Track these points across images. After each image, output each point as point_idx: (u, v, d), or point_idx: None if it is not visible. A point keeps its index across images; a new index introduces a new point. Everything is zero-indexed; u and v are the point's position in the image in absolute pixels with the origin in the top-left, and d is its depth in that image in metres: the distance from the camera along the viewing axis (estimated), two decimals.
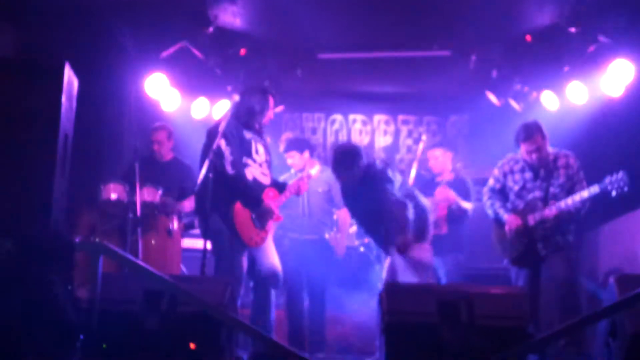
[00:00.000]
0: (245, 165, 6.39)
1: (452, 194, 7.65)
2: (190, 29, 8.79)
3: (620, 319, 4.81)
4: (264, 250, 6.49)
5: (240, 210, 6.30)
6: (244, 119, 6.52)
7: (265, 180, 6.51)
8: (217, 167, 6.17)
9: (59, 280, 4.34)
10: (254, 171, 6.43)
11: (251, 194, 6.33)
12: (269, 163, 6.62)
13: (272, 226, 6.55)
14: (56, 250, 4.45)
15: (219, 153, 6.19)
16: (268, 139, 6.84)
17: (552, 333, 5.44)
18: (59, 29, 7.84)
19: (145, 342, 4.83)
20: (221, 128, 6.17)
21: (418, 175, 8.70)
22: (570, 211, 6.28)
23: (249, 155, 6.42)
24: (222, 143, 6.21)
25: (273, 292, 6.55)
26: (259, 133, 6.63)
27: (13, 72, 5.18)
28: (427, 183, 8.38)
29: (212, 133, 6.33)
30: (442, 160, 8.27)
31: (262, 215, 6.35)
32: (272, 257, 6.53)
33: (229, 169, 6.22)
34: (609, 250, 8.34)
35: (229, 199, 6.28)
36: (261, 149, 6.56)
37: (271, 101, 6.64)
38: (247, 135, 6.48)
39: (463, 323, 4.81)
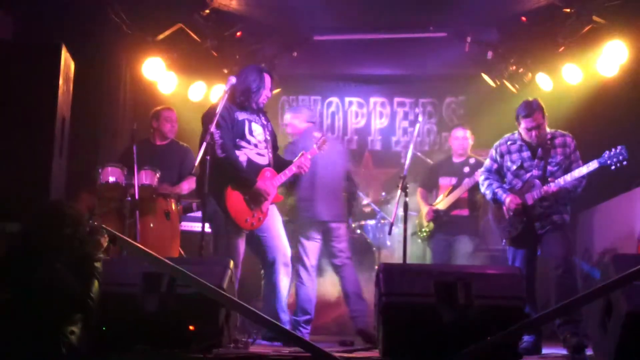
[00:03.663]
0: (239, 147, 6.40)
1: None
2: (187, 11, 8.77)
3: (615, 298, 4.85)
4: (267, 231, 6.51)
5: (232, 192, 6.31)
6: (239, 100, 6.52)
7: (262, 160, 6.51)
8: (209, 151, 6.21)
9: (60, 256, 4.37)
10: (248, 152, 6.43)
11: (242, 175, 6.33)
12: (268, 142, 6.62)
13: (269, 207, 6.51)
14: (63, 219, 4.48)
15: (211, 137, 6.19)
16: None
17: (548, 312, 5.48)
18: (55, 12, 7.82)
19: (144, 324, 4.87)
20: (218, 111, 6.19)
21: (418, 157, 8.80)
22: (566, 189, 6.30)
23: (242, 137, 6.42)
24: (213, 127, 6.20)
25: (282, 271, 6.53)
26: (258, 113, 6.63)
27: (10, 55, 5.20)
28: (444, 163, 8.54)
29: (207, 117, 6.35)
30: (464, 141, 8.38)
31: (254, 197, 6.35)
32: (276, 238, 6.54)
33: (219, 152, 6.22)
34: (604, 230, 8.38)
35: (221, 181, 6.28)
36: (258, 128, 6.55)
37: (267, 80, 6.62)
38: (241, 116, 6.47)
39: (460, 303, 4.84)
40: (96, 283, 4.42)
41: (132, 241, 5.39)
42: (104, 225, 4.77)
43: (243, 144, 6.43)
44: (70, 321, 4.29)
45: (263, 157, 6.53)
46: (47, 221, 4.43)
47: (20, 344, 4.18)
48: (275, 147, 6.84)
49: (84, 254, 4.46)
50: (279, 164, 6.70)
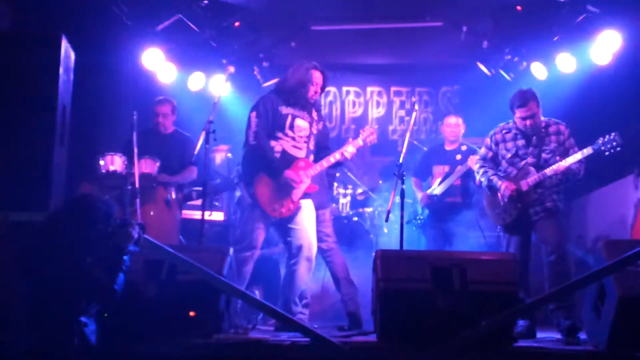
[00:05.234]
0: (276, 137, 6.52)
1: None
2: (186, 1, 8.82)
3: (608, 283, 4.94)
4: (297, 223, 6.55)
5: (262, 179, 6.45)
6: (285, 95, 6.63)
7: (298, 153, 6.59)
8: (244, 137, 6.45)
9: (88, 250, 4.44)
10: (284, 144, 6.54)
11: (270, 162, 6.44)
12: (310, 138, 6.67)
13: (300, 197, 6.55)
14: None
15: (248, 124, 6.45)
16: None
17: (542, 298, 5.58)
18: (55, 3, 7.84)
19: (147, 311, 4.94)
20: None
21: (414, 145, 8.87)
22: (572, 171, 6.35)
23: (282, 129, 6.53)
24: (253, 115, 6.46)
25: (304, 266, 6.53)
26: (308, 109, 6.69)
27: (11, 45, 5.20)
28: (437, 151, 8.60)
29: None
30: (460, 129, 8.45)
31: (283, 186, 6.44)
32: (304, 231, 6.57)
33: (251, 139, 6.42)
34: (597, 217, 8.46)
35: (252, 168, 6.47)
36: (303, 124, 6.63)
37: (315, 76, 6.65)
38: (285, 110, 6.58)
39: (456, 289, 4.92)
40: (122, 276, 4.47)
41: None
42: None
43: (280, 135, 6.54)
44: (84, 313, 4.35)
45: (300, 150, 6.62)
46: (81, 217, 4.48)
47: (33, 334, 4.25)
48: (325, 146, 6.88)
49: (113, 247, 4.52)
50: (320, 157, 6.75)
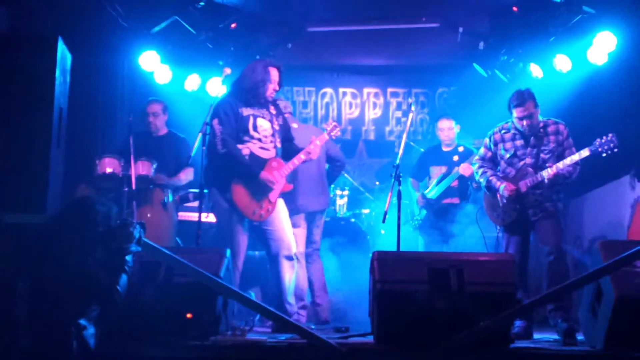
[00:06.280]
0: (242, 141, 6.48)
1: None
2: (182, 3, 8.83)
3: (605, 284, 4.94)
4: (273, 223, 6.55)
5: (238, 185, 6.41)
6: (243, 96, 6.60)
7: (266, 154, 6.55)
8: (210, 146, 6.39)
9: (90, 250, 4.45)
10: (251, 146, 6.50)
11: (244, 167, 6.41)
12: (275, 135, 6.65)
13: (277, 197, 6.56)
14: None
15: (212, 132, 6.37)
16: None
17: (540, 298, 5.57)
18: (51, 5, 7.83)
19: (144, 313, 4.93)
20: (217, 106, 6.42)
21: (411, 146, 8.87)
22: (563, 175, 6.37)
23: (246, 132, 6.50)
24: (215, 122, 6.39)
25: (286, 265, 6.53)
26: (266, 106, 6.68)
27: (7, 47, 5.19)
28: (434, 152, 8.60)
29: (213, 111, 6.51)
30: (453, 131, 8.44)
31: (260, 188, 6.43)
32: (280, 231, 6.57)
33: (220, 148, 6.35)
34: (594, 217, 8.46)
35: (226, 175, 6.41)
36: (265, 123, 6.60)
37: (273, 73, 6.63)
38: (246, 112, 6.54)
39: (453, 290, 4.91)
40: (124, 277, 4.48)
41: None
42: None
43: (246, 138, 6.50)
44: (83, 316, 4.34)
45: (267, 151, 6.58)
46: (81, 219, 4.49)
47: (32, 337, 4.24)
48: (287, 138, 6.86)
49: (114, 248, 4.52)
50: (292, 154, 6.73)
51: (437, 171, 8.37)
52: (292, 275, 6.58)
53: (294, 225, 7.15)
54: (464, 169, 7.89)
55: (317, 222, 7.50)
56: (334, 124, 6.99)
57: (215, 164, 6.46)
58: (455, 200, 8.23)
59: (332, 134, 6.93)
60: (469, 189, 8.20)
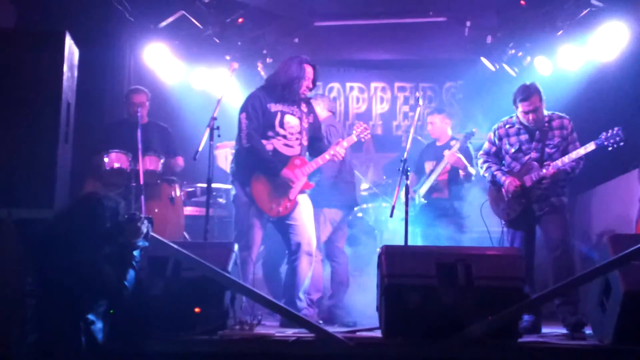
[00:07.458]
0: (267, 137, 6.50)
1: (462, 159, 7.72)
2: None
3: (613, 278, 4.93)
4: (295, 219, 6.55)
5: (258, 180, 6.45)
6: (277, 92, 6.60)
7: (290, 151, 6.56)
8: (237, 140, 6.47)
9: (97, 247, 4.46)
10: (276, 143, 6.52)
11: (267, 163, 6.43)
12: (303, 133, 6.65)
13: (296, 195, 6.55)
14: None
15: (239, 126, 6.43)
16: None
17: (547, 293, 5.56)
18: (58, 0, 7.86)
19: (153, 307, 4.94)
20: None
21: (418, 141, 8.84)
22: (567, 170, 6.36)
23: (272, 127, 6.52)
24: (243, 116, 6.44)
25: (304, 260, 6.53)
26: (298, 103, 6.68)
27: (15, 43, 5.19)
28: (429, 148, 8.54)
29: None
30: (439, 126, 8.38)
31: (280, 185, 6.44)
32: (302, 227, 6.57)
33: (244, 142, 6.40)
34: (602, 212, 8.45)
35: (248, 169, 6.46)
36: (293, 120, 6.60)
37: (307, 70, 6.62)
38: (275, 107, 6.56)
39: (461, 284, 4.91)
40: (132, 272, 4.51)
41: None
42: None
43: (271, 134, 6.52)
44: (91, 310, 4.36)
45: (292, 148, 6.59)
46: (88, 214, 4.50)
47: (41, 332, 4.26)
48: (317, 137, 6.86)
49: (122, 244, 4.54)
50: (320, 153, 6.73)
51: (430, 166, 8.30)
52: (308, 271, 6.58)
53: (333, 222, 7.28)
54: (449, 157, 7.81)
55: (346, 219, 7.54)
56: (364, 126, 6.97)
57: (239, 158, 6.53)
58: (445, 195, 8.07)
59: (361, 136, 6.92)
60: (459, 181, 8.05)
